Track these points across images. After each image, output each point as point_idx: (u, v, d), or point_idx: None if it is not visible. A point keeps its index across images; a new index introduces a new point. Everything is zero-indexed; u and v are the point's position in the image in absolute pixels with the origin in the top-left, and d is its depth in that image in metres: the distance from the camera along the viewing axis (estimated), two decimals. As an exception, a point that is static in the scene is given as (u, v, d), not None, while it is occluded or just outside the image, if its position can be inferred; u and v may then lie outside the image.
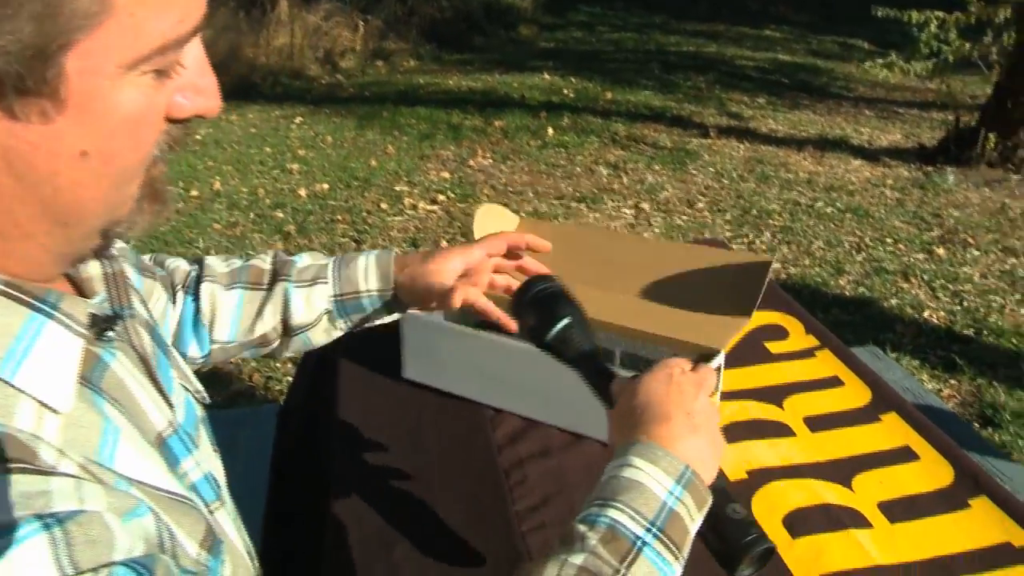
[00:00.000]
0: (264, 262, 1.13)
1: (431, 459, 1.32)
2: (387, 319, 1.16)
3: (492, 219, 1.65)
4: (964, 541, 1.16)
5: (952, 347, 3.52)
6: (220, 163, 5.87)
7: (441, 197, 5.23)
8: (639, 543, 0.73)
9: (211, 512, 0.77)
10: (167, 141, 0.64)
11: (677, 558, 0.75)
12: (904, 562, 1.12)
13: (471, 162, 5.95)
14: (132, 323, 0.77)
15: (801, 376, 1.53)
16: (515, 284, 1.05)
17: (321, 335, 1.13)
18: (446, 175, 5.65)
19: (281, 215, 4.94)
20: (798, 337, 1.67)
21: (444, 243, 4.55)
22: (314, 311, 1.10)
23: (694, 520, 0.78)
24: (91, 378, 0.65)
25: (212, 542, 0.68)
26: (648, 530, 0.74)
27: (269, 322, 1.10)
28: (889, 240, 4.61)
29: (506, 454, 1.33)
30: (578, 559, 0.72)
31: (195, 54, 0.63)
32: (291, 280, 1.10)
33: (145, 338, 0.80)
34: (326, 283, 1.11)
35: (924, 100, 7.76)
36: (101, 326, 0.69)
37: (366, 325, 1.15)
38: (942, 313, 3.82)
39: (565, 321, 0.97)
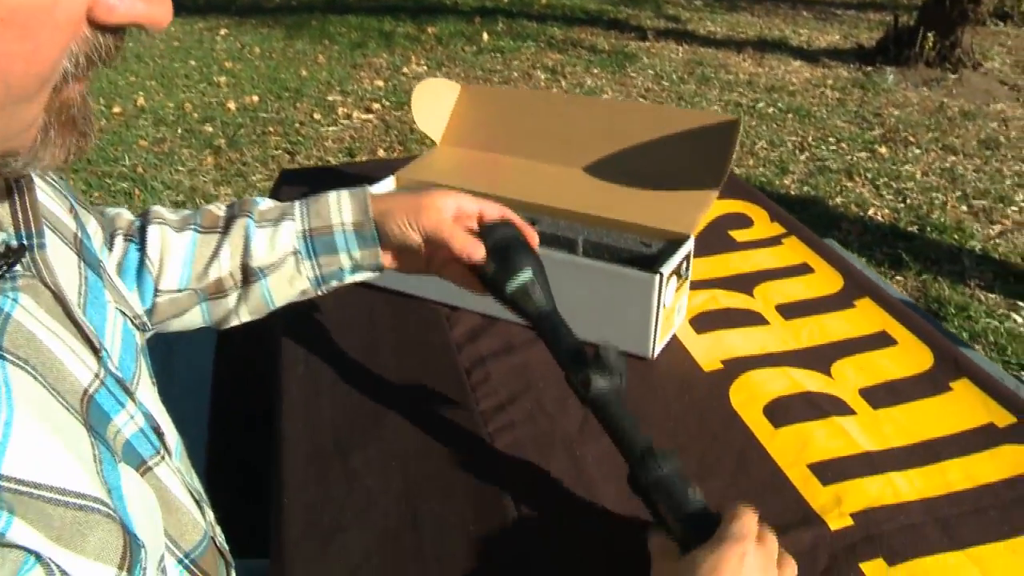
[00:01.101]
0: (219, 208, 0.98)
1: (386, 361, 1.23)
2: (360, 278, 1.00)
3: (433, 94, 1.54)
4: (948, 424, 1.11)
5: (897, 244, 3.51)
6: (143, 78, 5.63)
7: (376, 106, 5.07)
8: None
9: (149, 469, 0.67)
10: (89, 53, 0.48)
11: None
12: (890, 447, 1.07)
13: (405, 70, 5.78)
14: (43, 255, 0.62)
15: (769, 264, 1.46)
16: None
17: (284, 284, 0.97)
18: (380, 83, 5.48)
19: (210, 129, 4.76)
20: (763, 225, 1.60)
21: (381, 152, 4.42)
22: (278, 250, 0.95)
23: None
24: None
25: (132, 557, 0.55)
26: None
27: (226, 264, 0.95)
28: (832, 139, 4.58)
29: (466, 352, 1.24)
30: None
31: None
32: (252, 217, 0.96)
33: (64, 267, 0.68)
34: (292, 220, 0.96)
35: (862, 1, 7.70)
36: (1, 263, 0.57)
37: (334, 284, 1.00)
38: (886, 211, 3.81)
39: (527, 274, 0.91)
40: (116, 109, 5.03)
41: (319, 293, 1.00)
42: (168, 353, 2.11)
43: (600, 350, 0.88)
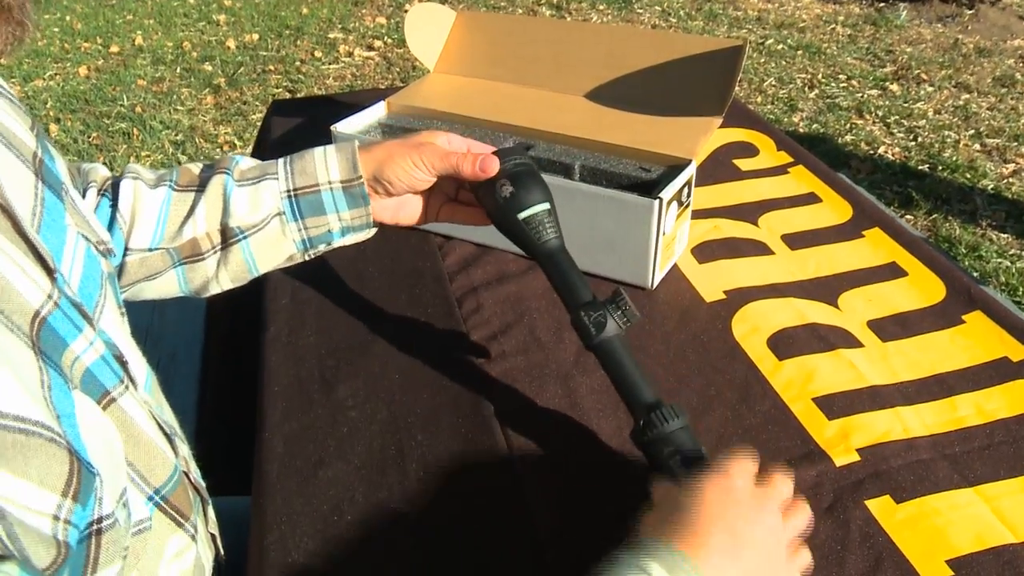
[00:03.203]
0: (196, 167, 0.91)
1: (375, 290, 1.19)
2: (351, 240, 0.93)
3: (427, 19, 1.48)
4: (961, 358, 1.07)
5: (908, 182, 3.44)
6: (140, 17, 5.53)
7: (378, 43, 4.98)
8: None
9: (113, 400, 0.63)
10: None
11: None
12: (899, 381, 1.03)
13: (407, 7, 5.67)
14: None
15: (775, 193, 1.41)
16: None
17: (268, 249, 0.90)
18: (382, 20, 5.38)
19: (210, 68, 4.68)
20: (769, 154, 1.54)
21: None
22: (260, 211, 0.88)
23: None
24: None
25: (81, 484, 0.52)
26: None
27: (202, 224, 0.88)
28: (842, 77, 4.48)
29: (458, 282, 1.20)
30: None
31: None
32: (231, 175, 0.88)
33: (16, 183, 0.63)
34: (275, 178, 0.88)
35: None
36: None
37: (323, 248, 0.92)
38: (897, 149, 3.73)
39: (545, 205, 0.86)
40: (113, 48, 4.95)
41: (307, 258, 0.93)
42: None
43: (620, 291, 0.84)
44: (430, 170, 0.87)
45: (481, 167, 0.85)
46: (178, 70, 4.67)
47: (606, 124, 1.28)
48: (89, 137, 3.88)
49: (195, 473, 0.82)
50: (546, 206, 0.86)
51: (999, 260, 2.95)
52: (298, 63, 4.72)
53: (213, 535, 0.84)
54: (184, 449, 0.80)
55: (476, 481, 0.90)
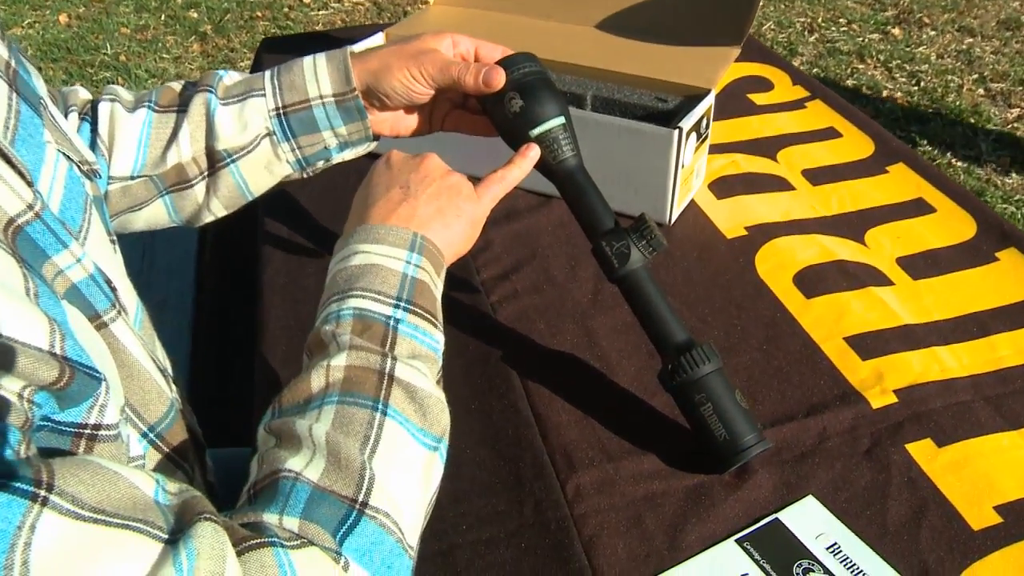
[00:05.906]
0: (178, 85, 0.84)
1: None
2: (352, 155, 0.87)
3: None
4: (996, 296, 1.02)
5: (911, 127, 3.38)
6: (122, -38, 5.40)
7: (368, -12, 4.87)
8: (391, 322, 0.65)
9: (104, 325, 0.57)
10: None
11: (436, 326, 0.68)
12: (933, 320, 0.97)
13: (398, -50, 5.56)
14: None
15: (793, 128, 1.34)
16: None
17: (260, 171, 0.83)
18: (372, -35, 5.27)
19: (195, 15, 4.56)
20: (785, 88, 1.47)
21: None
22: (248, 131, 0.81)
23: (437, 285, 0.71)
24: None
25: (71, 384, 0.47)
26: (396, 306, 0.66)
27: (187, 148, 0.81)
28: (842, 20, 4.39)
29: (464, 219, 1.14)
30: (341, 359, 0.62)
31: None
32: (214, 92, 0.81)
33: None
34: (262, 95, 0.81)
35: None
36: None
37: (321, 164, 0.86)
38: (899, 94, 3.67)
39: (559, 119, 0.78)
40: (96, -6, 4.83)
41: (306, 175, 0.87)
42: (150, 234, 2.01)
43: (645, 218, 0.78)
44: (429, 82, 0.80)
45: (485, 80, 0.78)
46: (162, 17, 4.55)
47: (619, 54, 1.21)
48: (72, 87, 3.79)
49: (192, 417, 0.76)
50: (561, 120, 0.78)
51: (1004, 206, 2.90)
52: (286, 9, 4.61)
53: (211, 483, 0.78)
54: (178, 391, 0.74)
55: (491, 427, 0.85)
